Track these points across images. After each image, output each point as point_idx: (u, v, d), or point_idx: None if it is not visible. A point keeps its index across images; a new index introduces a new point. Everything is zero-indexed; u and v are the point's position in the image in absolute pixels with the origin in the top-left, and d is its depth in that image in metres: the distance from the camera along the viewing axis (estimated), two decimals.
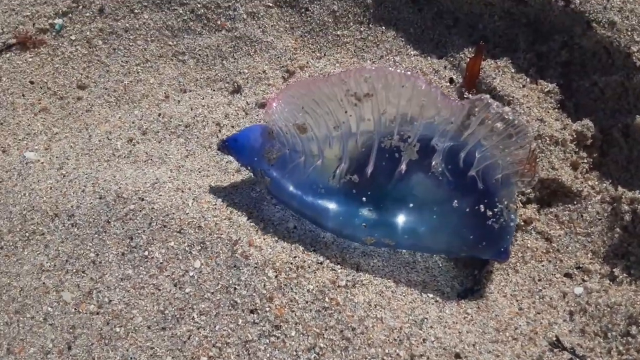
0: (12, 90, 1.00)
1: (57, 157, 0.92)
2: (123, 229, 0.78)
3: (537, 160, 0.68)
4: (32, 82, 1.01)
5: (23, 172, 0.89)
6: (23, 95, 1.00)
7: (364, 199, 0.69)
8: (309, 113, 0.65)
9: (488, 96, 0.61)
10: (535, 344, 0.63)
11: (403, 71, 0.59)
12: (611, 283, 0.69)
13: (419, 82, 0.60)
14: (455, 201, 0.65)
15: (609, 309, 0.64)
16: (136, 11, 1.03)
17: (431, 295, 0.71)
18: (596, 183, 0.76)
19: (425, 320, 0.67)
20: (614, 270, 0.70)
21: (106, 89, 1.01)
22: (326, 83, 0.62)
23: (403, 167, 0.65)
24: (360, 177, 0.69)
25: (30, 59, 1.02)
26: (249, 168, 0.78)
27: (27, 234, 0.82)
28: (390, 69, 0.60)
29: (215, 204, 0.79)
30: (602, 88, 0.77)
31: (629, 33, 0.73)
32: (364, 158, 0.69)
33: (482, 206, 0.64)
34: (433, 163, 0.64)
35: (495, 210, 0.64)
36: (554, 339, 0.62)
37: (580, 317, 0.66)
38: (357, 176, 0.67)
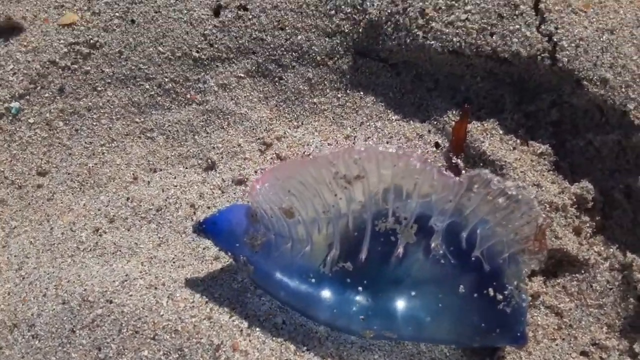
0: None
1: (15, 255, 0.83)
2: (90, 338, 0.70)
3: (546, 235, 0.62)
4: None
5: None
6: None
7: (359, 287, 0.63)
8: (295, 196, 0.59)
9: (487, 171, 0.56)
10: None
11: (395, 150, 0.54)
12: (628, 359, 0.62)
13: (413, 161, 0.54)
14: (461, 286, 0.58)
15: None
16: (99, 89, 0.96)
17: None
18: (602, 249, 0.71)
19: None
20: (634, 345, 0.64)
21: (69, 173, 0.93)
22: (314, 165, 0.57)
23: (400, 250, 0.59)
24: (354, 264, 0.62)
25: None
26: (230, 254, 0.71)
27: None
28: (380, 148, 0.54)
29: (193, 301, 0.71)
30: (597, 148, 0.73)
31: (624, 90, 0.70)
32: (357, 243, 0.62)
33: (491, 289, 0.58)
34: (433, 245, 0.58)
35: (506, 293, 0.58)
36: None
37: None
38: (350, 263, 0.61)
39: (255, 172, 0.85)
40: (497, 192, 0.56)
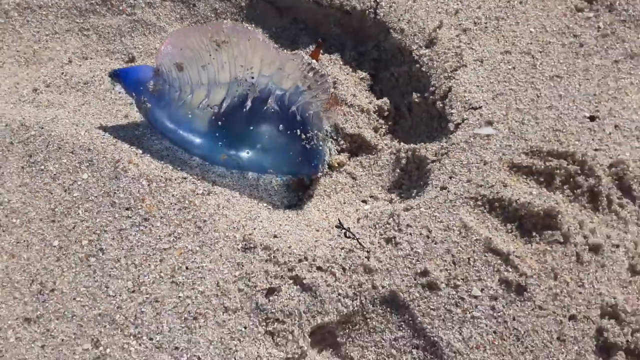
0: None
1: None
2: (24, 149, 0.96)
3: (335, 101, 0.96)
4: None
5: None
6: None
7: (222, 134, 0.94)
8: (184, 54, 0.89)
9: (303, 52, 0.89)
10: (329, 231, 0.90)
11: (247, 27, 0.87)
12: (389, 203, 0.98)
13: (259, 36, 0.87)
14: (281, 126, 0.91)
15: (380, 214, 0.93)
16: None
17: (265, 205, 0.96)
18: (388, 142, 1.06)
19: (258, 217, 0.92)
20: (392, 196, 0.99)
21: (17, 51, 1.18)
22: (198, 32, 0.87)
23: (248, 103, 0.91)
24: (218, 112, 0.92)
25: None
26: (134, 96, 0.96)
27: None
28: (238, 27, 0.87)
29: (104, 135, 0.99)
30: (396, 77, 1.10)
31: (412, 38, 1.07)
32: (222, 99, 0.93)
33: (298, 131, 0.91)
34: (269, 101, 0.91)
35: (308, 135, 0.91)
36: (340, 226, 0.89)
37: (363, 220, 0.93)
38: (216, 107, 0.92)
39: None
40: (309, 68, 0.89)
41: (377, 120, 1.07)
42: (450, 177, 0.91)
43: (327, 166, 0.98)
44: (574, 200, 0.87)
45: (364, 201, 1.00)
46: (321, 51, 1.13)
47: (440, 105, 1.00)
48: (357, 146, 1.05)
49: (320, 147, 0.94)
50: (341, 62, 1.13)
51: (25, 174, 0.93)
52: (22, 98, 1.09)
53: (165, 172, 0.94)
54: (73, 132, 0.98)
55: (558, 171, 0.88)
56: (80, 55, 1.19)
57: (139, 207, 0.90)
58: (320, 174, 0.96)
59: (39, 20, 1.21)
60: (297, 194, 1.00)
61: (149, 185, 0.92)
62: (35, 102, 1.08)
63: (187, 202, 0.91)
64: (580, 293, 0.78)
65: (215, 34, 0.88)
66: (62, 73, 1.14)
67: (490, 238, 0.83)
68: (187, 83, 0.93)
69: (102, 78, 1.14)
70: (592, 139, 0.92)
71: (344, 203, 1.00)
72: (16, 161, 0.94)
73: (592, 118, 0.95)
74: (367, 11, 1.10)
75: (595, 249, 0.80)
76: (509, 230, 0.87)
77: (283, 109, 0.92)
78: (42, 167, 0.94)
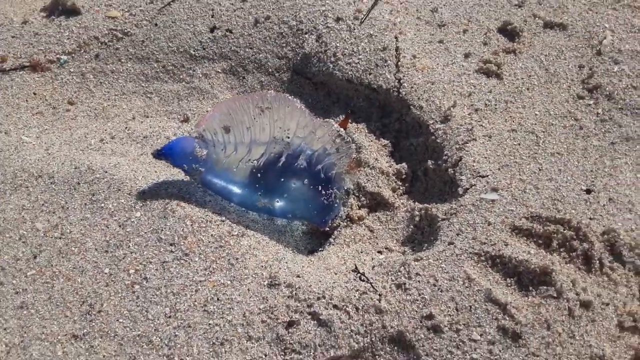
0: (19, 96, 1.32)
1: (45, 143, 1.23)
2: (88, 188, 1.09)
3: (356, 165, 1.08)
4: (34, 94, 1.34)
5: (19, 147, 1.19)
6: (26, 100, 1.32)
7: (258, 185, 1.06)
8: (231, 117, 1.03)
9: (333, 121, 1.02)
10: (346, 275, 0.99)
11: (287, 96, 1.01)
12: (402, 254, 1.06)
13: (297, 104, 1.01)
14: (307, 180, 1.03)
15: (393, 263, 1.01)
16: (122, 60, 1.41)
17: (291, 249, 1.06)
18: (405, 201, 1.16)
19: (284, 258, 1.01)
20: (405, 248, 1.08)
21: (89, 107, 1.35)
22: (243, 100, 1.02)
23: (283, 159, 1.03)
24: (257, 166, 1.05)
25: (37, 78, 1.36)
26: (184, 167, 1.05)
27: (14, 186, 1.10)
28: (279, 95, 1.01)
29: (157, 181, 1.12)
30: (415, 146, 1.21)
31: (429, 114, 1.19)
32: (261, 155, 1.06)
33: (320, 187, 1.03)
34: (300, 158, 1.03)
35: (328, 192, 1.03)
36: (356, 270, 0.97)
37: (377, 267, 1.02)
38: (256, 161, 1.04)
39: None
40: (337, 134, 1.02)
41: (396, 182, 1.17)
42: (458, 234, 1.00)
43: (338, 221, 1.08)
44: (569, 262, 0.94)
45: (380, 252, 1.08)
46: (349, 121, 1.26)
47: (452, 172, 1.11)
48: (377, 203, 1.15)
49: (336, 205, 1.05)
50: (366, 131, 1.25)
51: (87, 210, 1.06)
52: (90, 146, 1.24)
53: (206, 215, 1.05)
54: (132, 176, 1.11)
55: (555, 235, 0.96)
56: (143, 114, 1.35)
57: (182, 243, 1.01)
58: (327, 228, 1.06)
59: (110, 83, 1.39)
60: (320, 241, 1.10)
61: (191, 225, 1.03)
62: (101, 151, 1.23)
63: (223, 241, 1.02)
64: (571, 344, 0.84)
65: (260, 101, 1.02)
66: (126, 127, 1.30)
67: (491, 289, 0.90)
68: (231, 142, 1.06)
69: (159, 134, 1.29)
70: (588, 209, 1.00)
71: (361, 252, 1.08)
72: (80, 198, 1.08)
73: (588, 191, 1.03)
74: (392, 89, 1.24)
75: (586, 305, 0.87)
76: (509, 284, 0.93)
77: (311, 167, 1.04)
78: (102, 205, 1.07)
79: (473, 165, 1.10)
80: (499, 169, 1.09)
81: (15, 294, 0.95)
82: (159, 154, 1.03)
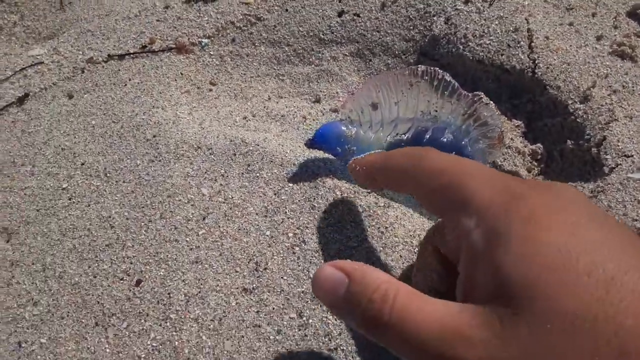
0: (169, 75, 1.44)
1: (197, 118, 1.34)
2: (244, 159, 1.18)
3: (502, 140, 1.10)
4: (181, 74, 1.45)
5: (176, 121, 1.31)
6: (175, 80, 1.44)
7: None
8: (380, 95, 1.09)
9: (482, 93, 1.06)
10: None
11: (437, 69, 1.05)
12: None
13: (447, 77, 1.04)
14: (453, 153, 1.07)
15: None
16: (256, 44, 1.50)
17: (434, 222, 1.10)
18: (541, 180, 1.18)
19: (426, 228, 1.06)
20: None
21: (229, 88, 1.45)
22: (394, 75, 1.07)
23: (430, 132, 1.07)
24: (406, 140, 1.09)
25: (182, 60, 1.47)
26: (338, 150, 1.03)
27: (177, 156, 1.21)
28: (430, 69, 1.05)
29: (304, 154, 1.20)
30: (549, 127, 1.22)
31: (567, 94, 1.20)
32: (408, 129, 1.11)
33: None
34: (446, 131, 1.07)
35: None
36: None
37: None
38: (404, 135, 1.09)
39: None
40: (483, 108, 1.05)
41: (531, 162, 1.19)
42: (607, 211, 1.01)
43: None
44: None
45: None
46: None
47: (595, 151, 1.11)
48: None
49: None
50: (498, 112, 1.27)
51: (245, 178, 1.15)
52: (235, 123, 1.33)
53: (354, 187, 1.12)
54: (280, 150, 1.19)
55: None
56: (277, 95, 1.43)
57: (334, 211, 1.08)
58: None
59: (246, 65, 1.48)
60: None
61: (341, 195, 1.10)
62: (246, 127, 1.32)
63: (371, 211, 1.08)
64: None
65: (410, 76, 1.07)
66: (264, 107, 1.38)
67: None
68: (379, 120, 1.11)
69: (295, 113, 1.36)
70: None
71: None
72: (238, 168, 1.17)
73: None
74: (526, 70, 1.25)
75: None
76: None
77: (456, 140, 1.07)
78: (258, 174, 1.15)
79: (618, 145, 1.09)
80: None
81: (189, 249, 1.06)
82: (312, 143, 1.04)
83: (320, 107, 1.39)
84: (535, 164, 1.19)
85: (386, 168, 0.83)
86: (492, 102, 1.07)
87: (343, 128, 1.10)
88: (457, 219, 0.59)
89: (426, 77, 1.05)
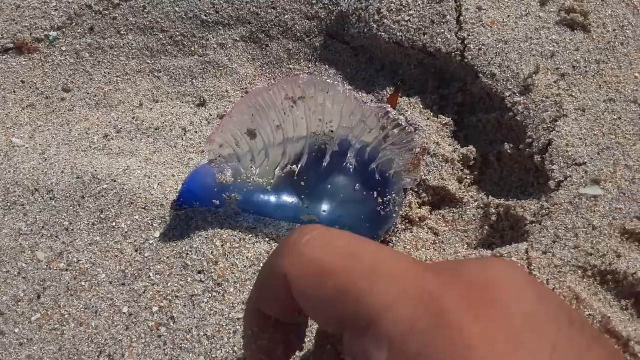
0: (5, 87, 1.10)
1: (40, 144, 1.02)
2: (95, 203, 0.89)
3: (420, 161, 0.85)
4: (23, 82, 1.11)
5: (9, 154, 0.99)
6: (14, 91, 1.10)
7: (301, 195, 0.83)
8: (256, 118, 0.80)
9: (389, 105, 0.78)
10: None
11: (327, 79, 0.76)
12: None
13: (339, 88, 0.76)
14: (357, 185, 0.80)
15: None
16: (122, 32, 1.16)
17: None
18: (474, 194, 0.93)
19: None
20: (481, 253, 0.86)
21: (88, 94, 1.12)
22: (269, 91, 0.78)
23: (327, 158, 0.80)
24: (300, 170, 0.82)
25: (24, 62, 1.13)
26: (216, 203, 0.81)
27: (8, 204, 0.91)
28: (317, 78, 0.76)
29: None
30: (484, 123, 0.97)
31: (504, 83, 0.94)
32: (300, 157, 0.83)
33: (375, 193, 0.80)
34: (349, 156, 0.80)
35: (385, 199, 0.80)
36: None
37: None
38: (295, 166, 0.81)
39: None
40: (394, 123, 0.78)
41: (462, 171, 0.94)
42: (554, 242, 0.78)
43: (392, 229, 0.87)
44: None
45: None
46: (399, 94, 1.02)
47: (539, 159, 0.87)
48: (440, 199, 0.93)
49: (394, 216, 0.82)
50: (421, 106, 1.01)
51: (96, 231, 0.86)
52: (92, 145, 1.02)
53: (239, 232, 0.85)
54: (146, 185, 0.90)
55: None
56: (151, 98, 1.12)
57: (212, 270, 0.81)
58: (380, 240, 0.85)
59: (110, 61, 1.15)
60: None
61: (222, 246, 0.83)
62: (107, 150, 1.02)
63: (261, 265, 0.82)
64: None
65: (290, 90, 0.78)
66: (133, 118, 1.07)
67: (610, 317, 0.70)
68: (262, 147, 0.83)
69: (172, 124, 1.06)
70: None
71: (426, 261, 0.88)
72: (87, 217, 0.88)
73: None
74: (454, 53, 0.98)
75: None
76: (624, 308, 0.73)
77: (361, 166, 0.81)
78: (114, 223, 0.87)
79: (567, 151, 0.85)
80: (598, 154, 0.85)
81: (19, 345, 0.78)
82: (180, 205, 0.81)
83: (205, 112, 1.09)
84: (468, 172, 0.95)
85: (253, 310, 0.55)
86: (402, 117, 0.80)
87: (215, 172, 0.81)
88: (363, 344, 0.45)
89: (311, 90, 0.77)
